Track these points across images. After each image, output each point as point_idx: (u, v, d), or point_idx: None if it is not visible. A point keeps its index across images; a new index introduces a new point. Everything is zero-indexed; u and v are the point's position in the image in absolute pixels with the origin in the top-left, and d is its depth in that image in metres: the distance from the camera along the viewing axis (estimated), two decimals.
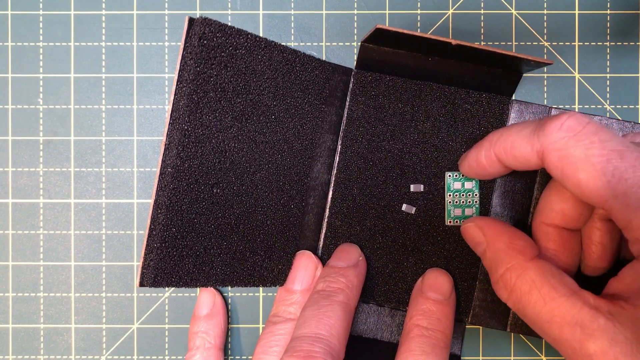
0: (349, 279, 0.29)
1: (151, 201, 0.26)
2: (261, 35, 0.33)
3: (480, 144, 0.27)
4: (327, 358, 0.25)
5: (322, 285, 0.29)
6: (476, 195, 0.30)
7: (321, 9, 0.33)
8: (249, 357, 0.33)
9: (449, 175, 0.30)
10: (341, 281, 0.28)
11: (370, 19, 0.33)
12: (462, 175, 0.30)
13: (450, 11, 0.33)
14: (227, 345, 0.33)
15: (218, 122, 0.26)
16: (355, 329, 0.31)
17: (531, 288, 0.24)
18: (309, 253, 0.30)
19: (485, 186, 0.30)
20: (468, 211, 0.30)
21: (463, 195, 0.30)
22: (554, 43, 0.32)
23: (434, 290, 0.29)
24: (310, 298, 0.28)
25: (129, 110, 0.33)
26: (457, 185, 0.30)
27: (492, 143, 0.26)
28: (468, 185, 0.30)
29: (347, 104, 0.30)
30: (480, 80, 0.30)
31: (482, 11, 0.33)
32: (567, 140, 0.23)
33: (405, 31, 0.26)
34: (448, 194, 0.30)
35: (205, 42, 0.25)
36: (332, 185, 0.31)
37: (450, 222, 0.30)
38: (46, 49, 0.33)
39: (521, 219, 0.30)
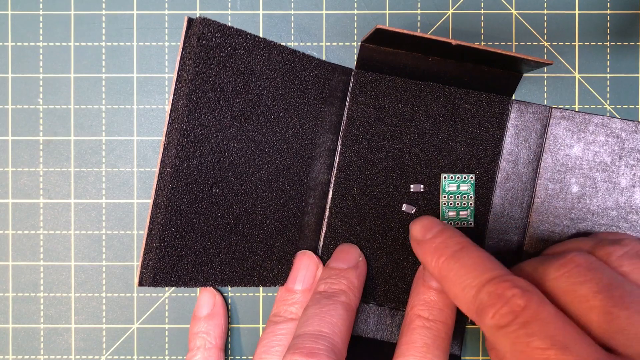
0: (350, 281, 0.29)
1: (150, 201, 0.26)
2: (261, 35, 0.33)
3: (430, 259, 0.26)
4: (329, 355, 0.25)
5: (323, 286, 0.29)
6: (471, 197, 0.30)
7: (321, 9, 0.33)
8: (250, 357, 0.33)
9: (444, 177, 0.30)
10: (342, 283, 0.28)
11: (370, 19, 0.33)
12: (458, 178, 0.30)
13: (450, 11, 0.33)
14: (228, 346, 0.33)
15: (217, 122, 0.26)
16: (356, 329, 0.31)
17: None
18: (309, 253, 0.30)
19: (484, 187, 0.30)
20: (463, 213, 0.30)
21: (458, 197, 0.30)
22: (554, 43, 0.32)
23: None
24: (312, 298, 0.28)
25: (129, 110, 0.33)
26: (452, 187, 0.30)
27: (439, 276, 0.25)
28: (464, 187, 0.30)
29: (347, 104, 0.30)
30: (480, 80, 0.30)
31: (482, 11, 0.32)
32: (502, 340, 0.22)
33: (405, 31, 0.26)
34: (443, 195, 0.30)
35: (204, 42, 0.25)
36: (332, 185, 0.31)
37: None
38: (46, 49, 0.33)
39: (522, 218, 0.30)
